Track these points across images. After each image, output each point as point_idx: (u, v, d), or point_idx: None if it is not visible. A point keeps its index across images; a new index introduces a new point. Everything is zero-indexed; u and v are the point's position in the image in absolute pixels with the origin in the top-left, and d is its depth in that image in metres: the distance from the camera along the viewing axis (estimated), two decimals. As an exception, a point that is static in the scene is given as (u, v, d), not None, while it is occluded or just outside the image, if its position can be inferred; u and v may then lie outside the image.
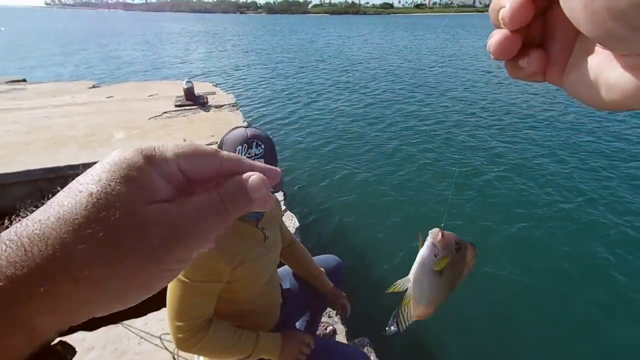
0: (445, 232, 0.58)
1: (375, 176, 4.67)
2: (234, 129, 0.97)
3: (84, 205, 0.19)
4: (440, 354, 2.27)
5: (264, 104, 8.43)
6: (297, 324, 1.34)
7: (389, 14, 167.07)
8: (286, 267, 1.42)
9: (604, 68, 0.19)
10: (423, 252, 0.57)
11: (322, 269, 1.36)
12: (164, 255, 0.20)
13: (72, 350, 0.23)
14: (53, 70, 12.60)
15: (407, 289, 0.60)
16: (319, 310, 1.45)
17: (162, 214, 0.21)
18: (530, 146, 5.49)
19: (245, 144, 0.91)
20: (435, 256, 0.56)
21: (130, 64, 14.63)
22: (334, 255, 1.52)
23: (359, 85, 10.24)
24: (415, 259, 0.58)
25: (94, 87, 5.94)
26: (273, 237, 1.07)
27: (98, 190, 0.20)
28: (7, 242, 0.19)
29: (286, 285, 1.34)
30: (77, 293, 0.19)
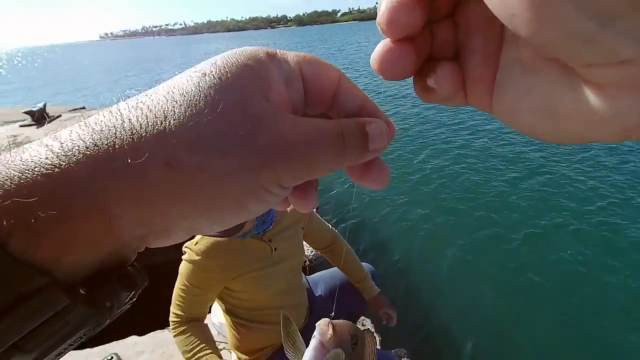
0: (338, 322, 0.45)
1: (412, 182, 4.55)
2: None
3: (196, 84, 0.17)
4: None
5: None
6: None
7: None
8: (322, 272, 1.43)
9: (553, 88, 0.13)
10: (310, 356, 0.44)
11: (367, 273, 1.31)
12: (268, 164, 0.17)
13: (143, 278, 0.20)
14: (106, 97, 13.93)
15: None
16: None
17: (276, 117, 0.18)
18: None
19: None
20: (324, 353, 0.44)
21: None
22: (366, 263, 1.51)
23: (392, 88, 10.10)
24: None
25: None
26: (285, 247, 1.08)
27: (212, 71, 0.18)
28: (109, 110, 0.17)
29: (318, 292, 1.34)
30: (168, 184, 0.16)
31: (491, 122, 6.17)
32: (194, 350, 0.95)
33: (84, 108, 7.48)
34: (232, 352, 1.20)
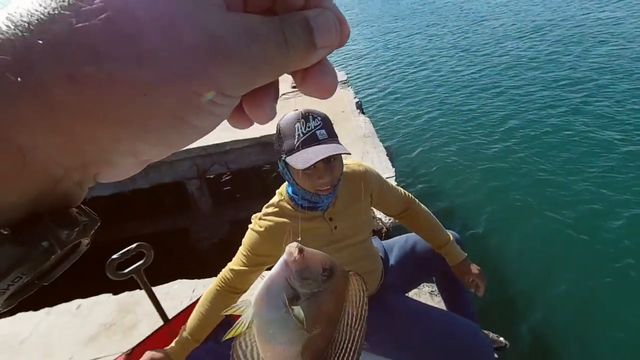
0: (309, 250, 0.41)
1: (500, 153, 4.11)
2: (284, 114, 0.98)
3: None
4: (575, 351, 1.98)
5: (375, 78, 8.29)
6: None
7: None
8: (397, 238, 1.41)
9: None
10: (272, 273, 0.41)
11: (450, 236, 1.22)
12: (200, 68, 0.15)
13: (89, 216, 0.18)
14: None
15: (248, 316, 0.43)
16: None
17: (204, 11, 0.15)
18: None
19: (302, 119, 0.92)
20: (289, 283, 0.40)
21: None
22: (451, 231, 1.36)
23: (488, 48, 8.85)
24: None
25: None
26: (347, 226, 1.06)
27: None
28: None
29: (392, 258, 1.35)
30: (78, 103, 0.14)
31: (613, 85, 5.04)
32: (202, 308, 1.04)
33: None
34: None
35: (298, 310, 0.39)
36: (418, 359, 1.09)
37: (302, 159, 0.88)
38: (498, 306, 2.31)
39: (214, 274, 2.03)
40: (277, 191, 1.10)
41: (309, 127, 0.91)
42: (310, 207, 1.00)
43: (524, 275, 2.56)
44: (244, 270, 1.04)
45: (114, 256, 1.03)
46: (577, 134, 4.10)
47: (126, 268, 1.09)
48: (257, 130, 3.70)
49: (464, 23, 13.18)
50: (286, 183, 1.05)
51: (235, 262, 1.07)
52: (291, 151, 0.91)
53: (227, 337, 0.41)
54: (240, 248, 1.07)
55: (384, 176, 2.68)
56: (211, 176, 4.18)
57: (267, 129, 3.70)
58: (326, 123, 0.94)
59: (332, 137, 0.94)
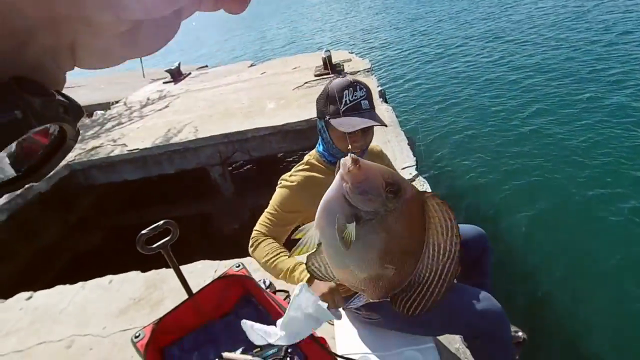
0: (367, 161, 0.34)
1: (525, 147, 3.93)
2: (333, 78, 1.06)
3: None
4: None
5: (399, 67, 8.09)
6: None
7: None
8: None
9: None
10: (329, 189, 0.36)
11: None
12: None
13: (75, 106, 0.17)
14: (220, 55, 15.55)
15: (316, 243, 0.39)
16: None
17: None
18: None
19: (350, 87, 1.01)
20: (346, 199, 0.34)
21: (275, 41, 16.49)
22: (473, 225, 1.37)
23: (519, 37, 8.40)
24: None
25: (251, 65, 7.01)
26: None
27: None
28: None
29: None
30: None
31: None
32: (270, 255, 1.04)
33: (206, 66, 8.53)
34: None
35: (350, 229, 0.33)
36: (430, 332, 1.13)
37: (348, 123, 0.98)
38: (518, 300, 2.25)
39: (236, 256, 2.11)
40: (305, 155, 1.18)
41: (355, 96, 1.00)
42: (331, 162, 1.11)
43: (546, 269, 2.48)
44: (270, 229, 1.09)
45: (143, 231, 1.09)
46: (617, 133, 3.83)
47: (154, 244, 1.15)
48: (278, 119, 3.73)
49: (495, 10, 12.53)
50: (315, 149, 1.15)
51: (262, 223, 1.12)
52: (336, 114, 1.01)
53: (294, 254, 0.41)
54: (267, 209, 1.12)
55: (404, 165, 2.65)
56: (234, 164, 4.27)
57: (288, 118, 3.72)
58: (369, 94, 1.04)
59: (372, 108, 1.04)
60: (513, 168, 3.62)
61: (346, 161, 0.35)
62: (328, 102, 1.03)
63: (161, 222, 1.13)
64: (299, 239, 0.43)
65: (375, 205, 0.34)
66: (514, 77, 6.02)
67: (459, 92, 5.94)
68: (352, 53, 6.16)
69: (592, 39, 6.77)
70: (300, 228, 0.42)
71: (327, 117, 1.03)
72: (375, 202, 0.34)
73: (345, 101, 1.00)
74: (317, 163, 1.12)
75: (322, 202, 0.37)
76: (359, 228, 0.35)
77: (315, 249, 0.41)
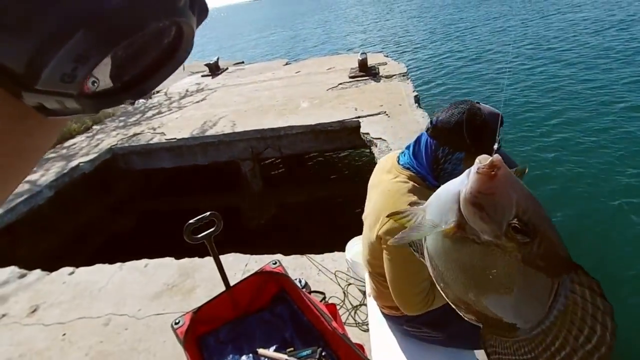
0: (507, 175, 0.27)
1: (561, 157, 3.77)
2: (469, 106, 0.90)
3: None
4: None
5: (432, 71, 7.93)
6: None
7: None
8: None
9: None
10: (455, 180, 0.32)
11: None
12: None
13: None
14: (255, 52, 15.83)
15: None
16: None
17: None
18: None
19: (500, 125, 0.90)
20: (458, 203, 0.30)
21: (311, 40, 16.58)
22: None
23: (557, 44, 8.04)
24: None
25: (286, 64, 7.09)
26: None
27: None
28: None
29: None
30: None
31: None
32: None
33: (243, 62, 8.71)
34: (370, 297, 1.27)
35: (426, 230, 0.31)
36: None
37: (508, 164, 0.88)
38: None
39: (263, 252, 2.14)
40: (399, 178, 0.99)
41: (500, 134, 0.92)
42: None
43: None
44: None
45: (191, 221, 1.12)
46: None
47: (199, 234, 1.18)
48: (311, 118, 3.74)
49: (532, 16, 12.04)
50: (405, 169, 1.00)
51: (420, 274, 0.95)
52: (488, 151, 0.89)
53: (395, 218, 0.37)
54: (398, 267, 0.95)
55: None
56: (264, 160, 4.33)
57: (320, 117, 3.73)
58: None
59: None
60: (549, 181, 3.47)
61: (483, 159, 0.28)
62: (479, 136, 0.89)
63: (207, 213, 1.16)
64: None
65: (485, 229, 0.27)
66: (550, 84, 5.77)
67: (493, 98, 5.74)
68: (387, 57, 6.09)
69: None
70: (405, 210, 0.39)
71: (481, 153, 0.88)
72: (487, 225, 0.27)
73: (497, 139, 0.90)
74: (421, 187, 0.97)
75: (441, 187, 0.34)
76: (454, 240, 0.30)
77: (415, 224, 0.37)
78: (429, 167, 0.97)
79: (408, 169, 0.99)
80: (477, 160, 0.29)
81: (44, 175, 3.43)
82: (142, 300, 1.92)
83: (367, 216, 1.06)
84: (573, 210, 3.12)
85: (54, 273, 2.27)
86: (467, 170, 0.30)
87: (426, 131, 0.97)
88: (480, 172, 0.27)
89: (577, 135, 4.19)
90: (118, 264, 2.24)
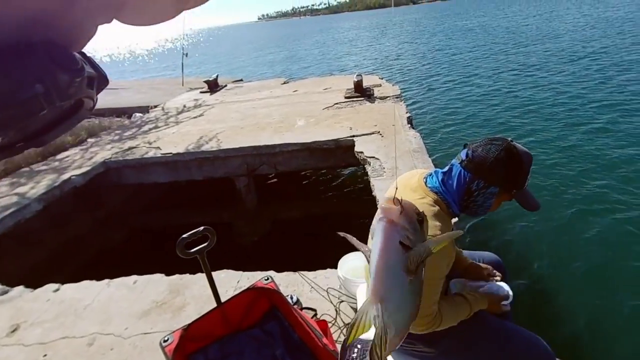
0: (401, 198, 0.35)
1: (551, 175, 3.91)
2: (507, 144, 0.96)
3: None
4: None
5: (426, 94, 8.15)
6: None
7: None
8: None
9: None
10: (380, 241, 0.34)
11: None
12: None
13: (101, 76, 0.14)
14: (251, 70, 16.17)
15: (374, 321, 0.36)
16: None
17: None
18: None
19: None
20: (402, 244, 0.33)
21: (308, 60, 17.01)
22: (492, 253, 1.37)
23: (540, 70, 8.43)
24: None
25: (284, 83, 7.23)
26: None
27: None
28: None
29: None
30: None
31: None
32: (456, 309, 1.01)
33: (241, 80, 8.86)
34: None
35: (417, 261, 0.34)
36: None
37: (534, 202, 1.00)
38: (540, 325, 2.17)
39: (256, 268, 2.11)
40: (426, 200, 1.00)
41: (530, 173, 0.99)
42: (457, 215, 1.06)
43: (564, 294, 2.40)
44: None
45: (184, 235, 1.11)
46: None
47: (191, 248, 1.16)
48: (307, 136, 3.79)
49: (518, 43, 12.62)
50: (432, 193, 1.01)
51: (433, 299, 0.98)
52: (522, 187, 0.99)
53: (349, 340, 0.38)
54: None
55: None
56: (259, 176, 4.34)
57: (316, 136, 3.78)
58: None
59: None
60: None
61: (390, 205, 0.34)
62: (515, 174, 0.96)
63: (201, 228, 1.15)
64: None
65: (420, 237, 0.34)
66: (532, 105, 6.06)
67: (482, 119, 5.95)
68: (382, 79, 6.25)
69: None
70: (352, 322, 0.40)
71: (513, 190, 0.98)
72: (419, 234, 0.34)
73: (528, 178, 0.98)
74: (444, 213, 0.98)
75: (377, 264, 0.34)
76: (416, 274, 0.36)
77: (369, 326, 0.39)
78: (458, 197, 0.99)
79: (436, 193, 1.01)
80: (386, 207, 0.34)
81: (34, 188, 3.38)
82: (130, 318, 1.86)
83: None
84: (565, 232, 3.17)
85: (37, 290, 2.19)
86: (384, 229, 0.34)
87: (460, 163, 1.00)
88: (399, 209, 0.34)
89: (550, 150, 4.37)
90: (106, 281, 2.19)
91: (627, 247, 2.75)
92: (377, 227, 0.35)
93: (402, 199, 0.35)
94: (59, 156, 4.20)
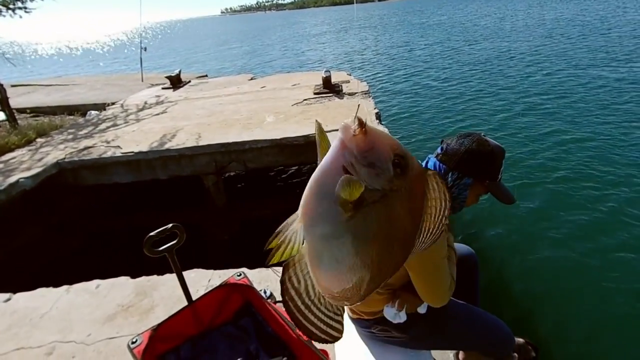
0: (373, 128, 0.29)
1: (524, 169, 4.14)
2: (478, 137, 1.01)
3: None
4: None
5: (394, 89, 8.37)
6: None
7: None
8: None
9: None
10: (324, 159, 0.29)
11: None
12: None
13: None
14: (212, 64, 15.76)
15: (293, 237, 0.31)
16: None
17: None
18: None
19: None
20: (346, 171, 0.27)
21: (273, 55, 16.83)
22: (465, 245, 1.46)
23: (497, 65, 8.95)
24: None
25: (252, 79, 7.10)
26: None
27: None
28: None
29: None
30: None
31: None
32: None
33: (206, 76, 8.58)
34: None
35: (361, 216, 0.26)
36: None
37: (509, 195, 1.04)
38: (528, 313, 2.33)
39: (226, 267, 2.08)
40: None
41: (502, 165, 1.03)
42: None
43: (551, 283, 2.60)
44: None
45: (151, 234, 1.08)
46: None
47: (159, 247, 1.13)
48: (276, 132, 3.76)
49: (489, 39, 13.28)
50: None
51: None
52: (494, 179, 1.02)
53: (271, 262, 0.32)
54: None
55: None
56: (228, 173, 4.25)
57: (286, 132, 3.77)
58: None
59: None
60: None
61: (349, 125, 0.28)
62: (487, 164, 1.00)
63: (169, 225, 1.12)
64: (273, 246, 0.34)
65: (382, 181, 0.27)
66: (495, 99, 6.39)
67: (451, 114, 6.20)
68: (350, 75, 6.34)
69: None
70: (277, 230, 0.33)
71: (486, 181, 1.02)
72: (382, 177, 0.27)
73: (501, 170, 1.02)
74: None
75: (312, 179, 0.29)
76: (361, 212, 0.27)
77: (296, 252, 0.32)
78: None
79: None
80: (343, 127, 0.28)
81: (-24, 192, 3.09)
82: (93, 324, 1.77)
83: None
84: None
85: (-14, 301, 2.02)
86: (335, 146, 0.28)
87: (435, 156, 1.05)
88: (356, 134, 0.27)
89: (516, 141, 4.65)
90: (65, 287, 2.06)
91: (594, 239, 2.91)
92: (333, 143, 0.29)
93: (372, 128, 0.28)
94: (3, 158, 3.86)
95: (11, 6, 4.79)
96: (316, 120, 0.38)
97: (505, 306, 2.42)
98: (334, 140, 0.28)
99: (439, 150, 1.05)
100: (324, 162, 0.29)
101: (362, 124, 0.28)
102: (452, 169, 1.00)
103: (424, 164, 1.07)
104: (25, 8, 4.97)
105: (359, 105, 0.38)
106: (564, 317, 2.29)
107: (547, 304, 2.42)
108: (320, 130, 0.37)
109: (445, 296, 0.93)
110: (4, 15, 4.79)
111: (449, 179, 1.01)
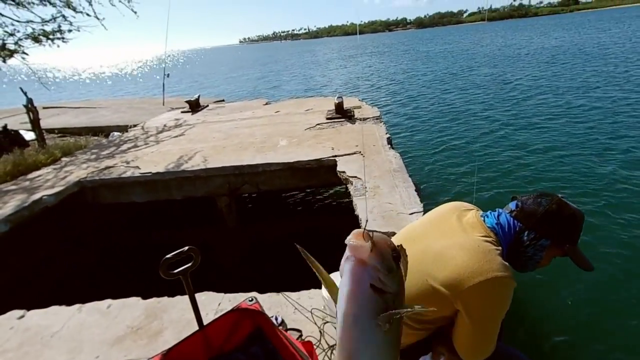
0: (373, 234, 0.30)
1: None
2: (558, 198, 0.98)
3: None
4: None
5: (405, 115, 8.47)
6: None
7: (570, 11, 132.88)
8: None
9: None
10: (347, 284, 0.30)
11: None
12: None
13: None
14: (223, 88, 16.38)
15: None
16: None
17: None
18: None
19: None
20: (373, 287, 0.29)
21: (286, 81, 17.42)
22: None
23: (507, 97, 8.98)
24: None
25: (266, 104, 7.33)
26: None
27: None
28: None
29: None
30: None
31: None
32: None
33: (223, 100, 8.90)
34: None
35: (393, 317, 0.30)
36: None
37: (586, 260, 0.98)
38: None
39: (237, 290, 2.07)
40: (491, 239, 0.98)
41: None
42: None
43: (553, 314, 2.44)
44: None
45: (168, 256, 1.09)
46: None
47: (175, 269, 1.14)
48: (289, 156, 3.83)
49: (486, 71, 13.43)
50: (482, 224, 1.01)
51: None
52: (574, 244, 0.98)
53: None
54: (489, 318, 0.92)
55: (412, 210, 2.68)
56: (240, 195, 4.29)
57: (298, 156, 3.83)
58: None
59: None
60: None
61: (359, 244, 0.29)
62: (569, 227, 0.97)
63: (185, 248, 1.14)
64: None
65: (397, 279, 0.29)
66: (505, 128, 6.34)
67: (461, 141, 6.19)
68: (362, 101, 6.47)
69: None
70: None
71: (566, 245, 0.98)
72: (396, 275, 0.29)
73: (580, 234, 0.99)
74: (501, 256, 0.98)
75: (342, 311, 0.30)
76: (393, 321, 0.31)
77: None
78: (506, 245, 0.99)
79: (496, 234, 0.99)
80: (357, 245, 0.30)
81: (1, 208, 3.21)
82: (102, 346, 1.76)
83: (434, 256, 0.97)
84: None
85: (0, 317, 2.05)
86: (353, 268, 0.30)
87: (509, 213, 1.01)
88: (369, 247, 0.29)
89: (543, 170, 4.58)
90: (77, 306, 2.07)
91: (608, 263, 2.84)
92: (345, 268, 0.30)
93: (373, 233, 0.30)
94: (30, 175, 4.03)
95: (51, 37, 5.19)
96: (295, 244, 0.39)
97: (524, 337, 2.31)
98: (346, 263, 0.29)
99: (512, 206, 1.01)
100: (349, 289, 0.29)
101: (369, 237, 0.29)
102: (529, 228, 0.97)
103: (494, 217, 1.03)
104: (63, 38, 5.37)
105: (366, 221, 0.40)
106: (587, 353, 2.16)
107: (570, 337, 2.29)
108: (305, 253, 0.41)
109: (484, 357, 0.92)
110: (44, 45, 5.19)
111: (524, 237, 0.97)
